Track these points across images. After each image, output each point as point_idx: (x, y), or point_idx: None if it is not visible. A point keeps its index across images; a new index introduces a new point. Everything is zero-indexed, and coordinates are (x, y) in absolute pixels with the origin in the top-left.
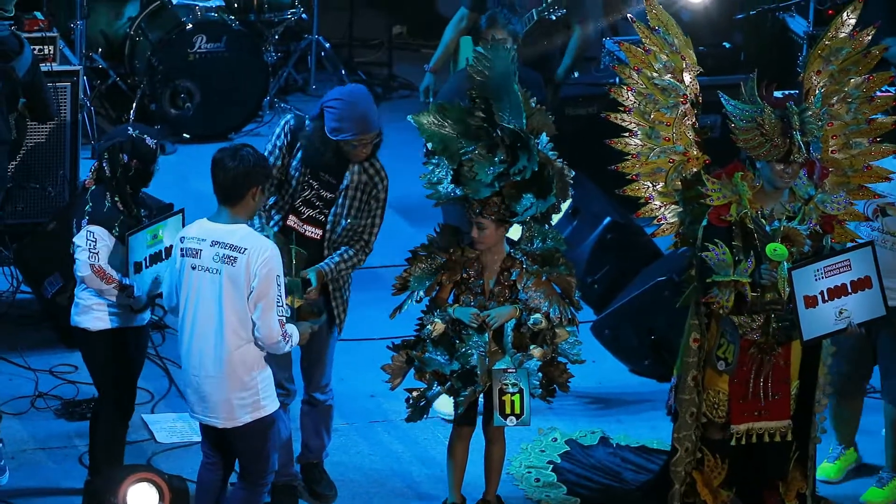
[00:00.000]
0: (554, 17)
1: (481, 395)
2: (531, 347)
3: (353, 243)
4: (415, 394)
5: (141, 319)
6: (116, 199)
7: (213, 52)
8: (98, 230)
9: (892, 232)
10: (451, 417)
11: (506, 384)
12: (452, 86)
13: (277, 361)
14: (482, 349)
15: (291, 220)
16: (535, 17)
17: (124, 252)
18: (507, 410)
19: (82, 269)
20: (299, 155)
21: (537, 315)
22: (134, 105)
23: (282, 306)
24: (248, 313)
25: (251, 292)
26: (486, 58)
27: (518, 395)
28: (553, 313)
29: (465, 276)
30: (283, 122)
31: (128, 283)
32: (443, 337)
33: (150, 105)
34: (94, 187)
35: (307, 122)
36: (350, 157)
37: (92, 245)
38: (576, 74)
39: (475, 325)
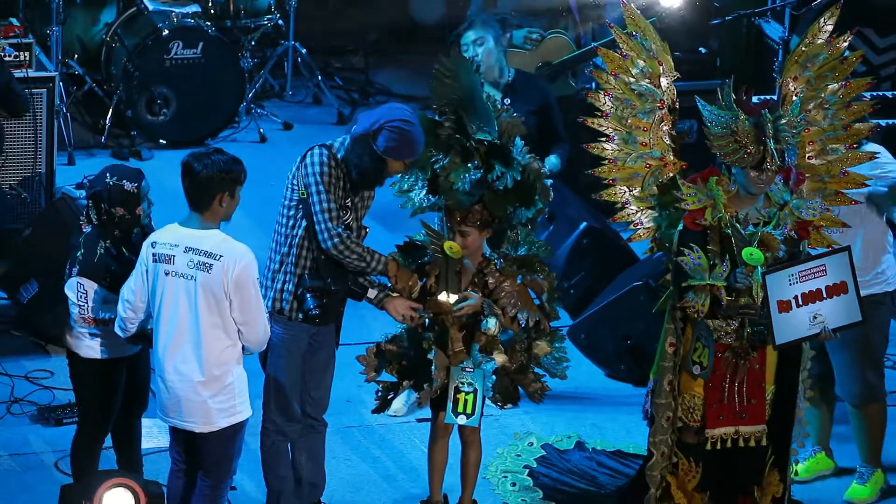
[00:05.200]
0: None
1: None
2: (495, 352)
3: None
4: (383, 386)
5: (135, 348)
6: (108, 243)
7: (190, 58)
8: (87, 283)
9: None
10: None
11: (462, 382)
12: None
13: (320, 380)
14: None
15: None
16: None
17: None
18: (460, 409)
19: (78, 321)
20: (341, 184)
21: (492, 319)
22: (110, 111)
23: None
24: (229, 318)
25: (232, 301)
26: (449, 69)
27: (472, 395)
28: (520, 317)
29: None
30: (322, 156)
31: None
32: (413, 331)
33: (127, 111)
34: (88, 229)
35: (338, 145)
36: (388, 174)
37: (82, 298)
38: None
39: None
